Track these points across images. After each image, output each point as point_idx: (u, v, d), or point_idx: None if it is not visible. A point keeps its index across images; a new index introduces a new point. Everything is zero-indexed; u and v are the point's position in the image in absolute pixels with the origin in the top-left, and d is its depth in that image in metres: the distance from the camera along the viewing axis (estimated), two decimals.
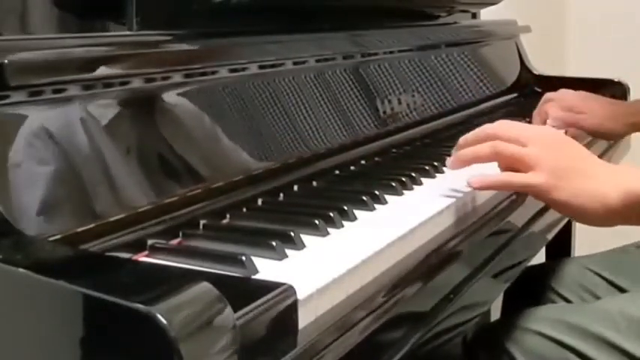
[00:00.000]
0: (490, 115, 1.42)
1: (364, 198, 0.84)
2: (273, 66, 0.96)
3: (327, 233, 0.75)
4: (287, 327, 0.57)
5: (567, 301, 1.17)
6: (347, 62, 1.12)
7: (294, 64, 1.00)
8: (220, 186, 0.82)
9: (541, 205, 0.98)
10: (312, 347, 0.57)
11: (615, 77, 1.67)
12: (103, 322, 0.50)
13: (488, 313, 1.35)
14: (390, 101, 1.17)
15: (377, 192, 0.87)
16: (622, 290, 1.14)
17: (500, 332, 0.97)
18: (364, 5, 1.25)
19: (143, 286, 0.51)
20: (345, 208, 0.80)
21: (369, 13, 1.26)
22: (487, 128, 0.89)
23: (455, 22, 1.59)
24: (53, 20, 0.84)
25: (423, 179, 0.97)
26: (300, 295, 0.58)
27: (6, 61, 0.63)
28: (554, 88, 1.38)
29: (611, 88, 1.62)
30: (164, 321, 0.46)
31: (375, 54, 1.19)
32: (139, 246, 0.70)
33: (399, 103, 1.20)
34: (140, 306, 0.47)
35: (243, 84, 0.91)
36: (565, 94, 1.34)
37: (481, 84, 1.51)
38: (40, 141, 0.67)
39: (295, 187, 0.92)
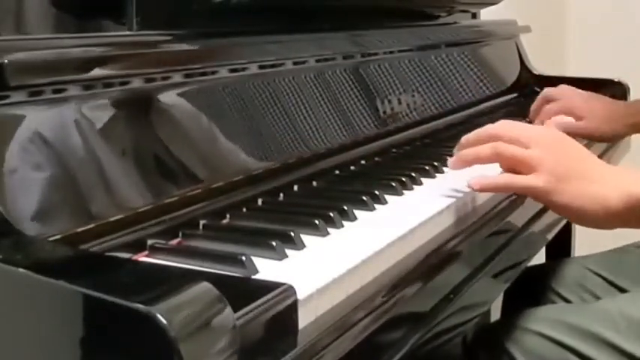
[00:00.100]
0: (490, 115, 1.42)
1: (364, 198, 0.84)
2: (273, 66, 0.96)
3: (327, 233, 0.75)
4: (287, 327, 0.57)
5: (567, 301, 1.17)
6: (347, 62, 1.12)
7: (294, 64, 1.00)
8: (220, 186, 0.81)
9: (541, 205, 0.98)
10: (312, 347, 0.57)
11: (615, 77, 1.67)
12: (103, 322, 0.50)
13: (488, 313, 1.35)
14: (390, 101, 1.17)
15: (377, 192, 0.87)
16: (622, 290, 1.14)
17: (500, 332, 0.97)
18: (364, 5, 1.25)
19: (143, 286, 0.51)
20: (345, 208, 0.80)
21: (369, 13, 1.26)
22: (489, 128, 0.88)
23: (455, 22, 1.59)
24: (53, 20, 0.84)
25: (423, 179, 0.97)
26: (300, 295, 0.58)
27: (6, 61, 0.63)
28: None
29: (611, 88, 1.62)
30: (164, 321, 0.46)
31: (375, 54, 1.19)
32: (138, 246, 0.70)
33: (399, 103, 1.20)
34: (140, 306, 0.47)
35: (243, 84, 0.91)
36: (565, 92, 1.34)
37: (481, 84, 1.51)
38: (40, 141, 0.67)
39: (295, 187, 0.92)
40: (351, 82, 1.11)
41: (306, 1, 1.10)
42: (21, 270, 0.53)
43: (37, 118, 0.67)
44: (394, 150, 1.15)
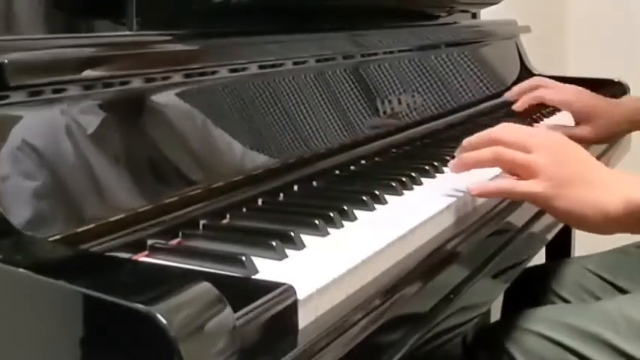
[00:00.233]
0: (490, 115, 1.42)
1: (364, 198, 0.84)
2: (273, 66, 0.96)
3: (327, 233, 0.75)
4: (287, 327, 0.57)
5: (567, 301, 1.17)
6: (347, 62, 1.12)
7: (294, 64, 1.00)
8: (220, 186, 0.81)
9: None
10: (312, 347, 0.57)
11: (615, 77, 1.67)
12: (103, 322, 0.50)
13: (488, 313, 1.35)
14: (390, 101, 1.17)
15: (377, 192, 0.87)
16: (622, 291, 1.14)
17: (500, 333, 0.97)
18: (364, 5, 1.25)
19: (143, 286, 0.51)
20: (345, 208, 0.80)
21: (369, 13, 1.26)
22: (491, 132, 0.88)
23: (455, 22, 1.59)
24: (53, 20, 0.84)
25: (423, 179, 0.97)
26: (300, 295, 0.58)
27: (6, 61, 0.63)
28: None
29: (611, 88, 1.62)
30: (164, 321, 0.46)
31: (375, 54, 1.19)
32: (139, 246, 0.70)
33: (399, 103, 1.20)
34: (140, 306, 0.47)
35: (243, 84, 0.91)
36: (564, 88, 1.33)
37: (481, 84, 1.51)
38: (40, 141, 0.67)
39: (295, 187, 0.92)
40: (351, 82, 1.11)
41: (306, 1, 1.10)
42: (21, 270, 0.53)
43: (36, 118, 0.67)
44: (394, 150, 1.15)
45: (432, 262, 0.76)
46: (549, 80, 1.37)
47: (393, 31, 1.30)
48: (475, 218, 0.89)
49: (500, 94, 1.47)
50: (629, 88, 1.67)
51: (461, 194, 0.89)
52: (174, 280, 0.52)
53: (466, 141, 0.90)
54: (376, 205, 0.85)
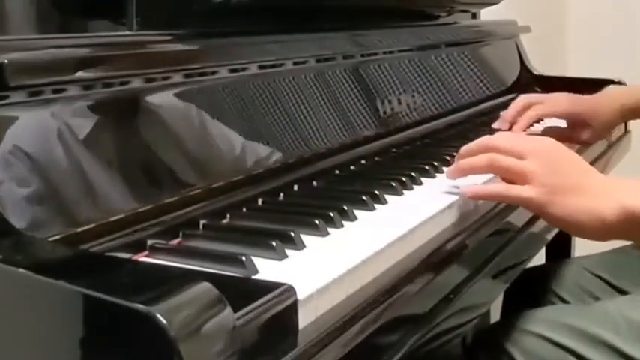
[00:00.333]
0: (490, 115, 1.42)
1: (364, 198, 0.84)
2: (273, 66, 0.96)
3: (327, 233, 0.75)
4: (287, 327, 0.57)
5: (567, 302, 1.17)
6: (347, 62, 1.12)
7: (294, 64, 1.00)
8: (220, 186, 0.81)
9: None
10: (312, 347, 0.57)
11: (615, 77, 1.67)
12: (103, 322, 0.50)
13: (487, 314, 1.35)
14: (390, 101, 1.17)
15: (377, 192, 0.87)
16: (621, 292, 1.14)
17: (500, 333, 0.97)
18: (364, 5, 1.25)
19: (143, 286, 0.51)
20: (345, 208, 0.80)
21: (369, 13, 1.26)
22: (487, 140, 0.89)
23: (455, 22, 1.59)
24: (53, 20, 0.84)
25: (423, 179, 0.97)
26: (300, 295, 0.58)
27: (5, 61, 0.63)
28: (554, 89, 1.37)
29: None
30: (164, 321, 0.46)
31: (375, 54, 1.19)
32: (139, 246, 0.70)
33: (399, 103, 1.20)
34: (140, 306, 0.47)
35: (243, 84, 0.91)
36: (548, 96, 1.32)
37: (481, 84, 1.51)
38: (39, 141, 0.67)
39: (295, 187, 0.92)
40: (351, 82, 1.11)
41: (306, 1, 1.10)
42: (21, 270, 0.53)
43: (36, 118, 0.67)
44: (394, 150, 1.15)
45: (431, 262, 0.76)
46: (536, 95, 1.34)
47: (393, 31, 1.30)
48: (475, 218, 0.89)
49: (500, 94, 1.47)
50: None
51: (461, 194, 0.90)
52: (174, 280, 0.52)
53: (463, 148, 0.91)
54: (376, 205, 0.85)
